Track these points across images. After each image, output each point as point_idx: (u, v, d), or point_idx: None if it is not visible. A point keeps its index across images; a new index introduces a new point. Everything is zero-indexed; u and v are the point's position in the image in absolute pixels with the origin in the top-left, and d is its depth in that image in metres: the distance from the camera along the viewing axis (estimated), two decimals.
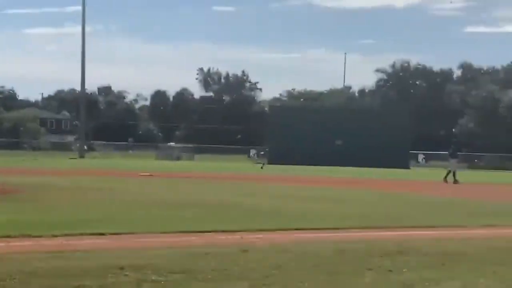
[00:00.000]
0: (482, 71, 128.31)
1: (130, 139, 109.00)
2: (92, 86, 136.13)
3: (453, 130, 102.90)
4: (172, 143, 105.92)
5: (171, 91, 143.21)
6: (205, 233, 13.21)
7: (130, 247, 11.29)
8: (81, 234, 12.54)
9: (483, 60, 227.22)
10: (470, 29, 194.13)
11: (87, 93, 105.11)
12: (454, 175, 40.74)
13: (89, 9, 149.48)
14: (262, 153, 62.90)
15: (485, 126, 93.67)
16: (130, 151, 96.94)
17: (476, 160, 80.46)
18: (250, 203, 20.43)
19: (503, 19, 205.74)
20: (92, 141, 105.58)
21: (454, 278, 9.41)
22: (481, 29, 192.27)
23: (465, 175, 46.25)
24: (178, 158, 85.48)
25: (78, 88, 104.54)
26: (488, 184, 40.94)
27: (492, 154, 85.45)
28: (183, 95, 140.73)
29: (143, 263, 9.54)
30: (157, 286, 8.28)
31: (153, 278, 8.65)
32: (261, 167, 59.18)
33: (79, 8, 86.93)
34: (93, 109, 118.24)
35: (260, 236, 13.10)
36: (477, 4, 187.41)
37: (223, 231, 13.61)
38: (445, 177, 40.49)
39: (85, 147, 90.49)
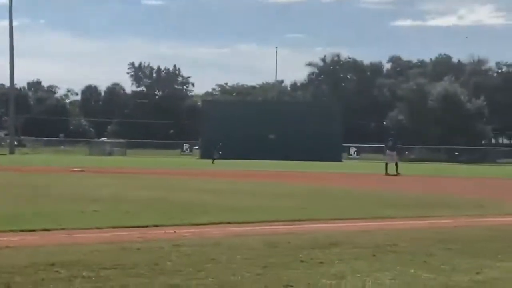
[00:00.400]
0: (411, 65, 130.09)
1: (61, 135, 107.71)
2: (21, 81, 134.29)
3: (384, 122, 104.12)
4: (104, 139, 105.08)
5: (103, 86, 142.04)
6: (137, 228, 13.13)
7: (60, 243, 11.15)
8: (10, 231, 12.34)
9: (412, 53, 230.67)
10: (398, 22, 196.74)
11: (16, 88, 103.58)
12: (396, 167, 41.47)
13: (16, 3, 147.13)
14: (219, 147, 62.43)
15: (415, 119, 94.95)
16: (62, 147, 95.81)
17: (406, 152, 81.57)
18: (182, 197, 20.38)
19: (429, 13, 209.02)
20: (22, 137, 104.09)
21: (385, 269, 9.51)
22: (409, 22, 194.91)
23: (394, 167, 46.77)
24: (110, 154, 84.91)
25: (7, 83, 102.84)
26: (417, 176, 41.55)
27: (421, 146, 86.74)
28: (114, 89, 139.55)
29: (74, 259, 9.44)
30: (88, 282, 8.19)
31: (84, 274, 8.56)
32: (212, 162, 59.25)
33: (5, 1, 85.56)
34: (23, 105, 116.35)
35: (192, 230, 13.07)
36: None
37: (155, 225, 13.55)
38: (386, 170, 41.13)
39: (15, 142, 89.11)
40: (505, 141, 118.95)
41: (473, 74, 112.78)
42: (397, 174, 40.51)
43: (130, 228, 13.14)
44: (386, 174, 40.78)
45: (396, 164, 42.16)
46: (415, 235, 13.12)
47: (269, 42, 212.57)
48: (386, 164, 42.20)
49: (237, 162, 59.45)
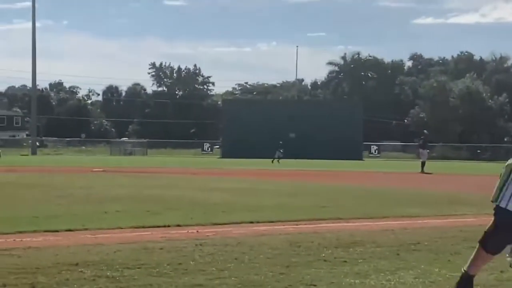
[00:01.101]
0: (432, 62, 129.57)
1: (82, 135, 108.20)
2: (43, 82, 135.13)
3: (405, 120, 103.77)
4: (125, 139, 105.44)
5: (123, 86, 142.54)
6: (159, 228, 13.15)
7: (84, 243, 11.18)
8: (34, 231, 12.38)
9: (433, 51, 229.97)
10: (419, 20, 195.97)
11: (38, 89, 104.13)
12: (423, 165, 41.80)
13: (39, 4, 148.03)
14: (281, 150, 62.15)
15: (436, 116, 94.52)
16: (83, 147, 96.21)
17: (428, 151, 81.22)
18: (204, 197, 20.39)
19: (451, 11, 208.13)
20: (44, 138, 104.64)
21: (409, 268, 9.47)
22: (430, 20, 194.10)
23: (418, 165, 46.64)
24: (131, 153, 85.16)
25: (29, 84, 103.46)
26: (439, 175, 41.39)
27: (443, 144, 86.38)
28: (135, 90, 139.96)
29: (98, 259, 9.46)
30: (112, 282, 8.20)
31: (108, 274, 8.57)
32: (273, 161, 59.00)
33: (28, 4, 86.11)
34: (45, 105, 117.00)
35: (215, 230, 13.07)
36: None
37: (177, 225, 13.56)
38: (422, 169, 41.45)
39: (37, 143, 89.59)
40: None
41: (495, 71, 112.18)
42: (422, 172, 40.72)
43: (153, 228, 13.16)
44: (422, 172, 41.08)
45: (423, 163, 42.61)
46: (438, 234, 13.06)
47: (290, 41, 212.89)
48: (422, 163, 42.78)
49: (258, 161, 59.44)
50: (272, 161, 59.16)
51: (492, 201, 3.74)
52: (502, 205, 3.67)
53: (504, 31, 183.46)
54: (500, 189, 3.68)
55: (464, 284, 3.85)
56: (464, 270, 3.80)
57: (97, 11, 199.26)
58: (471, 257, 3.75)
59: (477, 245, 3.71)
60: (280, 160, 59.54)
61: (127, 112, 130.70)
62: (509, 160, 3.81)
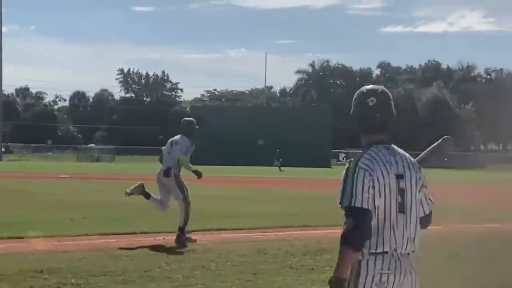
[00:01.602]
0: (400, 71, 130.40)
1: (49, 141, 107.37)
2: (9, 87, 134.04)
3: None
4: (92, 145, 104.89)
5: (91, 92, 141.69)
6: (127, 235, 13.07)
7: (49, 250, 11.08)
8: None
9: (401, 59, 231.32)
10: (388, 29, 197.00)
11: (4, 94, 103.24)
12: None
13: (6, 9, 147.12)
14: (277, 154, 62.49)
15: (403, 125, 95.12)
16: (50, 153, 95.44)
17: None
18: (171, 204, 20.28)
19: (419, 19, 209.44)
20: (10, 143, 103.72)
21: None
22: (399, 28, 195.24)
23: None
24: (98, 160, 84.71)
25: None
26: None
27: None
28: (103, 96, 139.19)
29: (63, 266, 9.37)
30: None
31: (73, 281, 8.50)
32: (278, 169, 59.39)
33: None
34: (11, 111, 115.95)
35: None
36: (394, 5, 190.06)
37: (144, 232, 13.49)
38: None
39: (3, 149, 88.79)
40: (494, 147, 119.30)
41: (462, 80, 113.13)
42: None
43: (119, 235, 13.07)
44: None
45: None
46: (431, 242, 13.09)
47: (259, 48, 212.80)
48: None
49: (226, 168, 59.37)
50: (280, 169, 60.00)
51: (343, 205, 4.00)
52: (357, 204, 3.90)
53: (471, 40, 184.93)
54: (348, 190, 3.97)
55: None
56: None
57: (65, 16, 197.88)
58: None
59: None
60: (281, 168, 60.47)
61: (94, 118, 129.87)
62: (346, 164, 4.05)
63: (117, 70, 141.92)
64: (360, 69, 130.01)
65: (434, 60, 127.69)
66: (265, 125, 78.82)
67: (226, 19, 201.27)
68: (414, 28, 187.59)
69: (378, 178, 4.14)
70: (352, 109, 4.52)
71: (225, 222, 15.47)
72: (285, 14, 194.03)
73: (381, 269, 4.11)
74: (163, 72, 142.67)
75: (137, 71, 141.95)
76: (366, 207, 4.09)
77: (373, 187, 4.11)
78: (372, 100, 4.40)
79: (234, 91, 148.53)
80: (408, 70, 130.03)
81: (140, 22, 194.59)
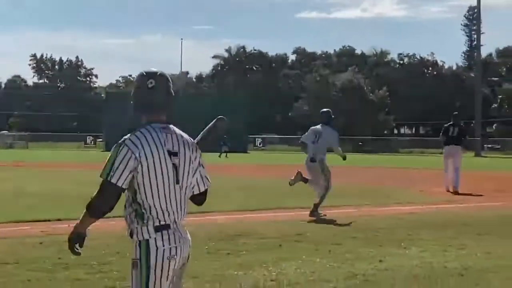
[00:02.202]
0: (315, 56, 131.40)
1: None
2: None
3: (289, 113, 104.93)
4: (5, 132, 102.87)
5: (3, 78, 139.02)
6: (40, 222, 12.89)
7: None
8: None
9: (316, 45, 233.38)
10: (303, 15, 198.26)
11: None
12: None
13: None
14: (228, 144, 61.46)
15: (319, 110, 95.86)
16: None
17: None
18: (86, 191, 20.06)
19: (334, 5, 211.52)
20: None
21: (291, 259, 9.58)
22: (314, 14, 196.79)
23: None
24: (12, 147, 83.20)
25: None
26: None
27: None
28: (15, 82, 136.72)
29: None
30: None
31: None
32: (220, 155, 58.22)
33: None
34: None
35: (96, 223, 12.86)
36: None
37: (58, 219, 13.31)
38: None
39: None
40: (407, 131, 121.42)
41: (376, 65, 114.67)
42: None
43: (33, 223, 12.89)
44: None
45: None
46: (320, 225, 13.27)
47: (175, 34, 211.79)
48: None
49: None
50: (219, 155, 58.93)
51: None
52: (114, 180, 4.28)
53: (384, 26, 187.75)
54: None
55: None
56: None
57: None
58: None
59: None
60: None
61: (7, 105, 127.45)
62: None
63: (30, 56, 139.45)
64: (276, 54, 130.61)
65: (348, 46, 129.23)
66: (181, 110, 78.40)
67: (141, 4, 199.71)
68: (328, 14, 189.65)
69: (146, 156, 4.40)
70: (132, 91, 4.75)
71: None
72: None
73: (169, 244, 4.39)
74: (77, 57, 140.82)
75: (51, 56, 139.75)
76: (120, 185, 4.37)
77: (140, 164, 4.37)
78: (151, 82, 4.67)
79: None
80: (323, 55, 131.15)
81: (53, 6, 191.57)
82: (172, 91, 4.78)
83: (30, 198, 17.37)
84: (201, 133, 5.05)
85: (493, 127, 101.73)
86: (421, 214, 15.37)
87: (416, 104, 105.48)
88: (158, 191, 4.41)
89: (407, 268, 9.16)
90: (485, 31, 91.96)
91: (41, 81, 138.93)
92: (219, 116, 5.24)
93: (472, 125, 76.87)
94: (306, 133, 15.96)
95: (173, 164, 4.49)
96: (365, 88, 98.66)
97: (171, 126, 4.71)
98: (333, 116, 16.26)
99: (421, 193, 21.07)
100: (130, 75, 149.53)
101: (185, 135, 4.74)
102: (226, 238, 11.31)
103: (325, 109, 16.61)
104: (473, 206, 17.44)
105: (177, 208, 4.53)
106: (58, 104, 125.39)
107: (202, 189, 4.84)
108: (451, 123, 23.18)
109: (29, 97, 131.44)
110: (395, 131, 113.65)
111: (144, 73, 4.77)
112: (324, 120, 15.94)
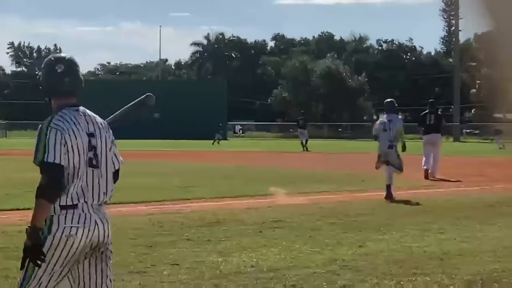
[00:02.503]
0: (294, 42, 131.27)
1: None
2: None
3: (268, 100, 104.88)
4: None
5: None
6: (19, 211, 12.84)
7: None
8: None
9: (295, 32, 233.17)
10: (281, 1, 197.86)
11: None
12: (306, 143, 43.80)
13: None
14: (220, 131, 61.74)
15: (299, 96, 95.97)
16: None
17: (291, 130, 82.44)
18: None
19: None
20: None
21: (271, 245, 9.61)
22: (291, 1, 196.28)
23: (284, 144, 47.32)
24: None
25: None
26: (305, 153, 42.17)
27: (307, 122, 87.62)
28: None
29: None
30: None
31: None
32: (213, 143, 58.13)
33: None
34: None
35: None
36: None
37: None
38: (303, 147, 43.36)
39: None
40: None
41: (354, 51, 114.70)
42: (306, 150, 42.73)
43: (12, 211, 12.84)
44: (304, 150, 43.45)
45: (306, 141, 44.64)
46: (300, 211, 13.30)
47: (153, 21, 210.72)
48: (302, 142, 44.74)
49: (122, 141, 58.73)
50: (213, 143, 58.87)
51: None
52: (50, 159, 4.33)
53: (363, 12, 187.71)
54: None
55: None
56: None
57: None
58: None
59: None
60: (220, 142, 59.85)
61: None
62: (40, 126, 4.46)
63: (8, 44, 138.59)
64: (255, 41, 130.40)
65: (327, 32, 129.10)
66: (160, 98, 78.06)
67: None
68: (307, 0, 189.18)
69: (70, 136, 4.51)
70: (41, 77, 4.84)
71: (120, 196, 15.32)
72: None
73: (71, 224, 4.47)
74: (55, 45, 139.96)
75: (29, 44, 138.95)
76: (59, 162, 4.43)
77: (65, 145, 4.47)
78: (60, 67, 4.75)
79: (129, 65, 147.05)
80: (302, 42, 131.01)
81: None
82: (81, 75, 4.93)
83: (8, 187, 17.30)
84: (124, 108, 5.33)
85: (472, 112, 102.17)
86: (400, 200, 15.44)
87: (395, 89, 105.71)
88: (74, 171, 4.49)
89: (387, 252, 9.21)
90: (463, 16, 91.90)
91: (19, 69, 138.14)
92: (147, 94, 5.42)
93: (450, 110, 77.17)
94: (375, 127, 17.16)
95: (92, 145, 4.60)
96: (344, 74, 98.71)
97: (83, 108, 4.80)
98: (396, 105, 17.61)
99: (400, 178, 21.15)
100: (109, 63, 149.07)
101: (97, 117, 4.86)
102: (206, 225, 11.33)
103: (389, 99, 17.77)
104: (452, 191, 17.55)
105: (93, 190, 4.60)
106: (36, 92, 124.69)
107: (117, 167, 4.91)
108: (427, 111, 23.26)
109: (7, 86, 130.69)
110: (374, 117, 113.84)
111: (53, 58, 4.86)
112: (390, 109, 17.00)
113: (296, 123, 52.77)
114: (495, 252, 9.27)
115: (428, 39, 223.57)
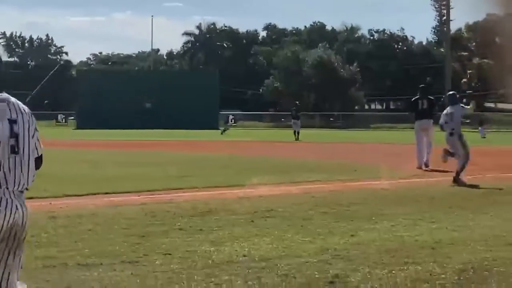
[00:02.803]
0: (286, 32, 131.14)
1: None
2: None
3: (260, 90, 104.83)
4: None
5: None
6: None
7: None
8: None
9: (287, 22, 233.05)
10: None
11: None
12: (298, 134, 44.26)
13: None
14: (232, 121, 62.34)
15: (290, 86, 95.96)
16: None
17: (282, 119, 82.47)
18: (57, 169, 19.98)
19: None
20: None
21: (263, 235, 9.63)
22: None
23: (276, 134, 47.32)
24: None
25: None
26: (296, 143, 42.21)
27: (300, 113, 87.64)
28: None
29: None
30: None
31: None
32: (222, 133, 58.44)
33: None
34: None
35: (69, 202, 12.87)
36: None
37: (29, 198, 13.22)
38: (297, 137, 43.80)
39: None
40: (378, 106, 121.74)
41: (346, 41, 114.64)
42: (298, 140, 43.25)
43: None
44: (297, 140, 44.41)
45: (298, 132, 45.21)
46: (292, 200, 13.31)
47: (145, 11, 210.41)
48: (295, 132, 45.23)
49: (114, 132, 58.77)
50: (222, 132, 59.22)
51: None
52: None
53: (354, 2, 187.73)
54: None
55: None
56: None
57: None
58: None
59: None
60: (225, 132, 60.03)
61: None
62: None
63: (0, 34, 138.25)
64: (247, 31, 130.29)
65: (319, 22, 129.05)
66: (152, 88, 78.28)
67: None
68: None
69: None
70: None
71: (112, 186, 15.35)
72: None
73: None
74: (47, 35, 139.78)
75: (20, 34, 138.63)
76: None
77: None
78: None
79: (121, 55, 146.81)
80: (294, 32, 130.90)
81: None
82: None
83: None
84: None
85: (463, 101, 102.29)
86: (392, 189, 15.47)
87: (386, 79, 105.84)
88: None
89: (378, 242, 9.23)
90: (454, 5, 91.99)
91: (11, 59, 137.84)
92: None
93: (442, 99, 77.23)
94: (441, 119, 18.26)
95: (14, 132, 4.56)
96: (336, 64, 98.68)
97: (6, 95, 4.71)
98: (458, 96, 19.31)
99: (392, 167, 21.19)
100: (101, 53, 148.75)
101: (20, 103, 4.77)
102: (198, 215, 11.33)
103: (451, 92, 19.74)
104: (443, 180, 17.58)
105: (15, 176, 4.56)
106: (28, 82, 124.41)
107: (39, 153, 4.86)
108: (418, 96, 23.19)
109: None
110: (366, 107, 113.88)
111: None
112: (452, 101, 18.36)
113: (290, 113, 53.26)
114: (487, 241, 9.30)
115: (420, 29, 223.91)
